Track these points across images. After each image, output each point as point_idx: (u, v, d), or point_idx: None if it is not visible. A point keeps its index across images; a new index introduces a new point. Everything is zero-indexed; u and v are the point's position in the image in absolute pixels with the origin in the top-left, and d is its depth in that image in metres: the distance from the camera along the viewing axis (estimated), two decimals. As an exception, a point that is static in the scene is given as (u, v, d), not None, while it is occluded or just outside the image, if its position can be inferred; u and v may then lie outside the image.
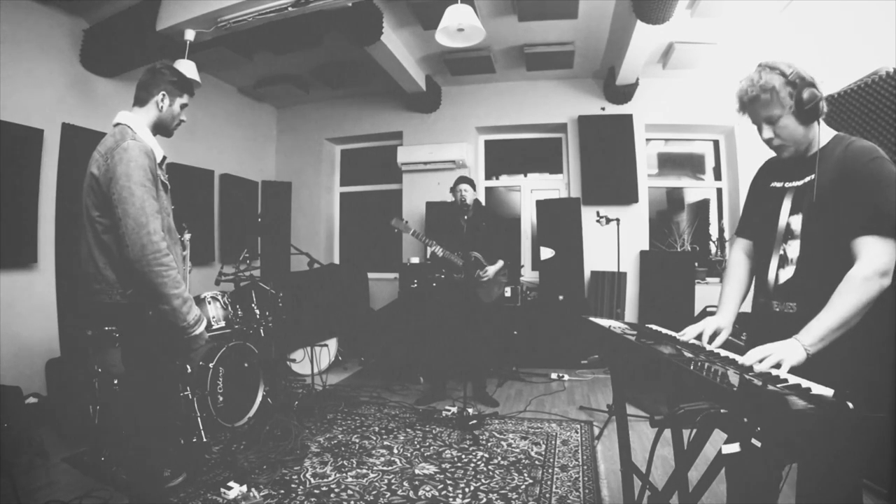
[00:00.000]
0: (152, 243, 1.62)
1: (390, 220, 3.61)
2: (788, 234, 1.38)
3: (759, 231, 1.50)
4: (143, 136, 1.77)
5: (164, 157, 1.89)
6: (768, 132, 1.35)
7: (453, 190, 3.66)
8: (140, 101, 1.86)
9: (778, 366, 1.10)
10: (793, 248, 1.37)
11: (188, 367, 2.72)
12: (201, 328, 1.78)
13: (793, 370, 1.09)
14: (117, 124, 1.78)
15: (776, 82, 1.29)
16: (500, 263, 3.63)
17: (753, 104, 1.34)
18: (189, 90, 1.95)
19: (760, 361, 1.12)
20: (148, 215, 1.63)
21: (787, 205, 1.40)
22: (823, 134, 1.36)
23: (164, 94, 1.86)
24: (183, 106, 1.94)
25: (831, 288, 1.19)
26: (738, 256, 1.61)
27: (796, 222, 1.36)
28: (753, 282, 1.54)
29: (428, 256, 4.18)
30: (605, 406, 3.38)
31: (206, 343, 1.83)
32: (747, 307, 1.57)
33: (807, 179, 1.36)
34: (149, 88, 1.85)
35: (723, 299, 1.56)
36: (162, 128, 1.90)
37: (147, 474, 1.86)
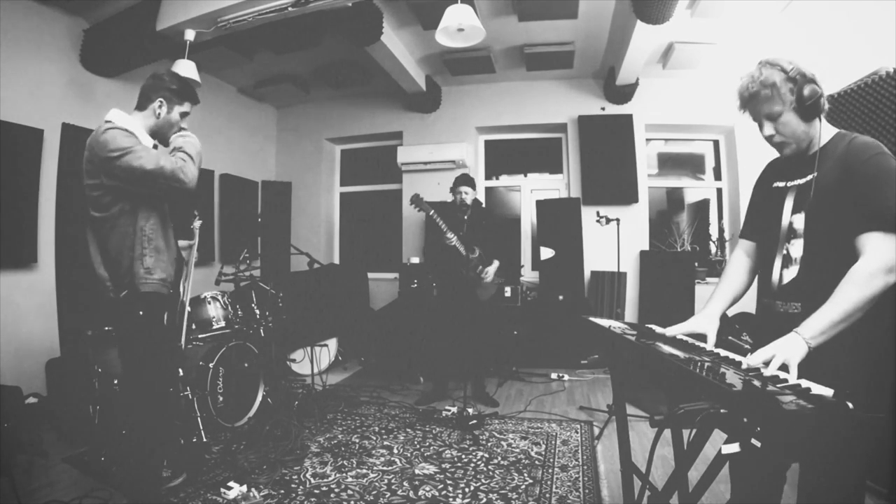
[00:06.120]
0: (173, 167, 1.75)
1: (411, 196, 3.58)
2: (791, 233, 1.37)
3: (763, 231, 1.49)
4: (127, 125, 1.80)
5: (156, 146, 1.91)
6: (769, 129, 1.34)
7: (453, 191, 3.65)
8: (140, 106, 1.89)
9: (785, 367, 1.09)
10: (796, 248, 1.35)
11: (180, 370, 2.71)
12: (187, 144, 1.86)
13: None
14: (106, 121, 1.82)
15: (777, 78, 1.28)
16: (497, 264, 3.64)
17: (754, 100, 1.33)
18: (190, 98, 1.95)
19: (766, 364, 1.11)
20: (158, 155, 1.74)
21: (789, 204, 1.39)
22: (825, 132, 1.35)
23: (161, 101, 1.87)
24: (183, 114, 1.94)
25: (835, 287, 1.18)
26: (737, 256, 1.60)
27: (799, 221, 1.35)
28: (756, 282, 1.53)
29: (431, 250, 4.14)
30: (605, 406, 3.38)
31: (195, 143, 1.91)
32: (749, 307, 1.57)
33: (808, 178, 1.34)
34: (149, 94, 1.88)
35: (712, 296, 1.55)
36: (159, 136, 1.91)
37: (144, 474, 1.86)
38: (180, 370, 2.71)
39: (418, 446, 2.84)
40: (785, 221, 1.39)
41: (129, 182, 1.73)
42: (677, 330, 1.47)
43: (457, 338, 3.64)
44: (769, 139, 1.37)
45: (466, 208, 3.58)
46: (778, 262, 1.39)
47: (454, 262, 3.56)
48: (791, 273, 1.37)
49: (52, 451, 2.60)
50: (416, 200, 3.55)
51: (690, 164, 5.58)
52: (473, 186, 3.65)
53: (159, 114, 1.87)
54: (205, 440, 2.70)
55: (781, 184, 1.44)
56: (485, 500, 2.22)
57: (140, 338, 1.80)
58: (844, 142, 1.31)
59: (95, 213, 1.75)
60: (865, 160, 1.24)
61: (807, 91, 1.27)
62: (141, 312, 1.76)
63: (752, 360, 1.13)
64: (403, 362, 4.44)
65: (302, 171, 6.08)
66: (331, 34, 4.03)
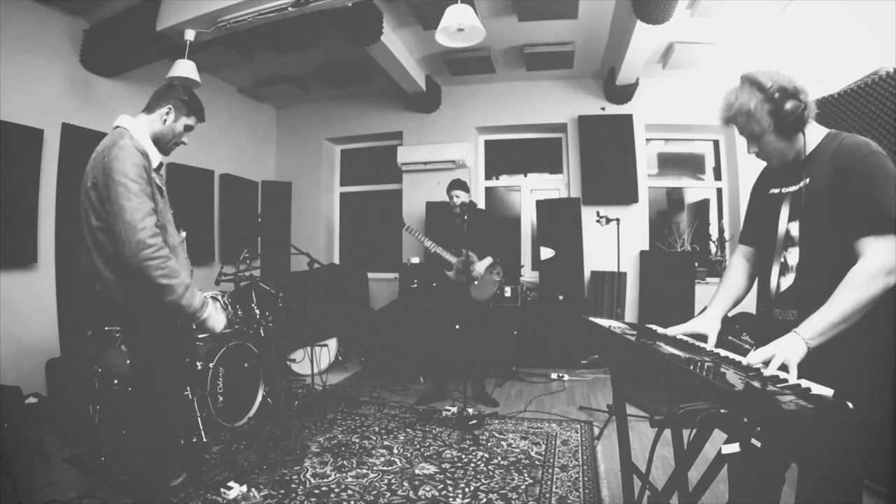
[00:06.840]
0: (146, 241, 1.64)
1: (399, 220, 3.77)
2: (788, 241, 1.37)
3: (761, 238, 1.49)
4: (141, 140, 1.79)
5: (161, 164, 1.90)
6: (753, 147, 1.37)
7: (447, 194, 3.70)
8: (149, 108, 1.90)
9: (784, 367, 1.09)
10: (793, 256, 1.36)
11: (198, 364, 2.72)
12: (208, 311, 1.80)
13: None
14: (116, 127, 1.80)
15: (752, 103, 1.27)
16: (489, 260, 3.66)
17: (732, 123, 1.35)
18: (197, 113, 1.97)
19: (765, 364, 1.11)
20: (144, 213, 1.65)
21: (785, 211, 1.39)
22: (815, 134, 1.34)
23: (169, 108, 1.88)
24: (187, 127, 1.95)
25: (831, 295, 1.18)
26: (737, 260, 1.60)
27: (795, 229, 1.35)
28: (756, 288, 1.53)
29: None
30: (605, 406, 3.37)
31: (223, 328, 1.86)
32: (750, 307, 1.57)
33: (801, 185, 1.34)
34: (159, 99, 1.89)
35: (713, 299, 1.56)
36: (160, 143, 1.90)
37: (151, 474, 1.85)
38: (198, 364, 2.72)
39: (418, 446, 2.84)
40: (781, 229, 1.38)
41: (101, 205, 1.67)
42: (678, 330, 1.47)
43: (452, 339, 3.65)
44: (755, 155, 1.40)
45: (462, 211, 3.60)
46: (775, 270, 1.39)
47: (440, 266, 3.65)
48: (788, 281, 1.37)
49: (52, 451, 2.60)
50: (409, 230, 3.79)
51: (690, 164, 5.58)
52: (466, 189, 3.69)
53: (165, 120, 1.88)
54: (205, 440, 2.70)
55: (777, 190, 1.44)
56: (485, 500, 2.22)
57: (155, 334, 1.79)
58: (835, 143, 1.30)
59: (95, 220, 1.70)
60: (858, 160, 1.23)
61: (788, 107, 1.25)
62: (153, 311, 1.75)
63: (752, 358, 1.13)
64: (403, 362, 4.44)
65: (302, 171, 6.08)
66: (331, 34, 4.03)
